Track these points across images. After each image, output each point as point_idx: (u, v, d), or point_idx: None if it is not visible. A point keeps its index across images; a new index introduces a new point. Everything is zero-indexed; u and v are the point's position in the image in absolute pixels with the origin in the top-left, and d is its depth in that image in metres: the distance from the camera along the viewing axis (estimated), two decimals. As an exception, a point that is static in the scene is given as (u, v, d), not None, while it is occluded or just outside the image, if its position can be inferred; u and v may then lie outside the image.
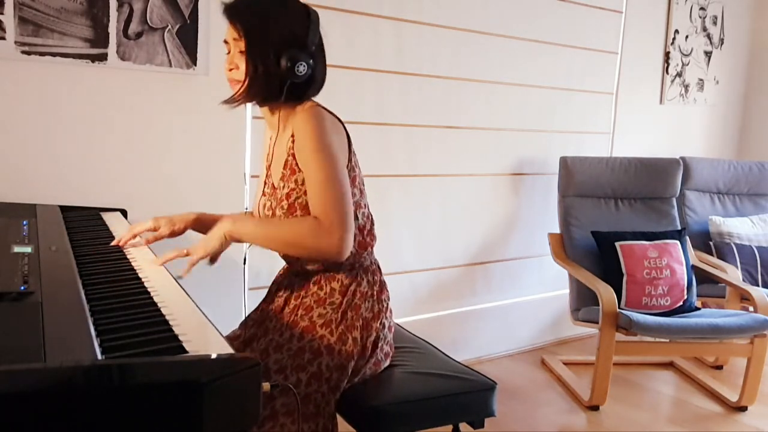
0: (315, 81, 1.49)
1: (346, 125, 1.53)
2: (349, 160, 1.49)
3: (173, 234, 1.61)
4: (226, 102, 1.48)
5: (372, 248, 1.60)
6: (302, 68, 1.41)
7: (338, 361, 1.48)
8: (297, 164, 1.46)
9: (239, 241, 1.45)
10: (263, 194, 1.62)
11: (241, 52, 1.42)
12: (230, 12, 1.43)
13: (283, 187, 1.50)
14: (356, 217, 1.52)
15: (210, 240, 1.43)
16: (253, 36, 1.41)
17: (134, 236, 1.56)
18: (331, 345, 1.48)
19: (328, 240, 1.35)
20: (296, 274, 1.60)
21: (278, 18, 1.41)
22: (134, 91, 2.10)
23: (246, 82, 1.43)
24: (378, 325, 1.56)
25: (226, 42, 1.46)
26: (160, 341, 0.94)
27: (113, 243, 1.54)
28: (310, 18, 1.45)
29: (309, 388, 1.44)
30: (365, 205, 1.57)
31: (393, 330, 1.66)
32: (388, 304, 1.62)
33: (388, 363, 1.61)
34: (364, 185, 1.57)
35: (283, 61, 1.40)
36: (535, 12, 3.11)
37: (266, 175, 1.61)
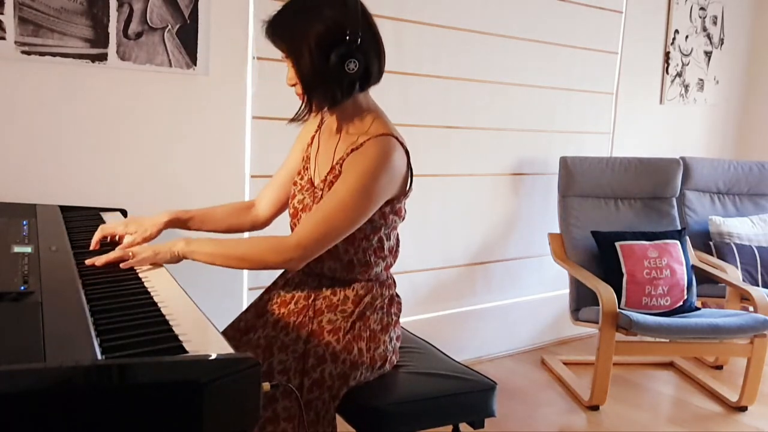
0: (371, 73, 1.43)
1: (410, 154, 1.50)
2: (404, 194, 1.49)
3: (146, 240, 1.57)
4: (293, 120, 1.46)
5: (392, 266, 1.60)
6: (353, 65, 1.36)
7: (341, 370, 1.47)
8: (341, 173, 1.45)
9: (191, 259, 1.41)
10: (295, 184, 1.59)
11: (293, 67, 1.40)
12: (268, 32, 1.41)
13: (323, 188, 1.49)
14: (389, 239, 1.54)
15: (159, 254, 1.39)
16: (296, 50, 1.37)
17: (104, 237, 1.52)
18: (336, 353, 1.47)
19: (289, 256, 1.36)
20: (309, 273, 1.57)
21: (314, 24, 1.35)
22: (134, 91, 2.10)
23: (305, 98, 1.42)
24: (386, 338, 1.56)
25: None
26: (160, 341, 0.94)
27: (92, 248, 1.48)
28: (347, 8, 1.37)
29: (311, 395, 1.43)
30: (398, 227, 1.57)
31: (400, 339, 1.66)
32: (398, 318, 1.61)
33: (390, 369, 1.61)
34: (406, 212, 1.57)
35: (332, 65, 1.36)
36: (535, 12, 3.11)
37: (304, 168, 1.59)
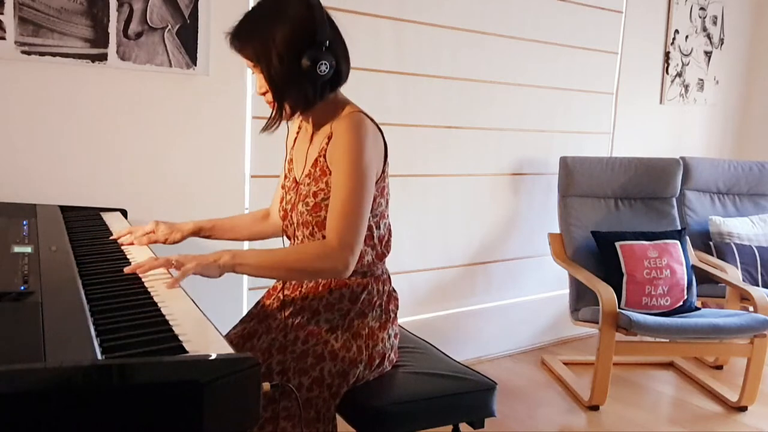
0: (341, 73, 1.43)
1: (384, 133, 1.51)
2: (383, 171, 1.48)
3: (168, 242, 1.62)
4: (265, 129, 1.43)
5: (385, 259, 1.59)
6: (324, 66, 1.35)
7: (341, 368, 1.47)
8: (328, 165, 1.45)
9: (238, 272, 1.37)
10: (283, 187, 1.62)
11: (263, 73, 1.39)
12: (234, 42, 1.39)
13: (308, 184, 1.49)
14: (378, 227, 1.52)
15: (203, 265, 1.32)
16: (264, 58, 1.36)
17: (130, 233, 1.59)
18: (335, 351, 1.47)
19: (334, 262, 1.34)
20: None
21: (279, 28, 1.34)
22: (134, 91, 2.10)
23: (276, 104, 1.40)
24: (384, 335, 1.55)
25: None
26: (160, 341, 0.94)
27: (112, 237, 1.58)
28: (312, 11, 1.36)
29: (310, 393, 1.44)
30: (387, 216, 1.56)
31: (399, 337, 1.66)
32: (396, 314, 1.61)
33: (390, 368, 1.61)
34: (390, 195, 1.56)
35: (304, 69, 1.34)
36: (535, 12, 3.11)
37: (288, 169, 1.60)
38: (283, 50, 1.34)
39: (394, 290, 1.63)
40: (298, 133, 1.63)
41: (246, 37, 1.37)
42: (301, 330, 1.50)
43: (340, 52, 1.41)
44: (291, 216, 1.55)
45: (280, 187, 1.69)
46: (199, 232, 1.69)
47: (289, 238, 1.61)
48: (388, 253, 1.59)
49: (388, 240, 1.58)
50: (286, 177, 1.62)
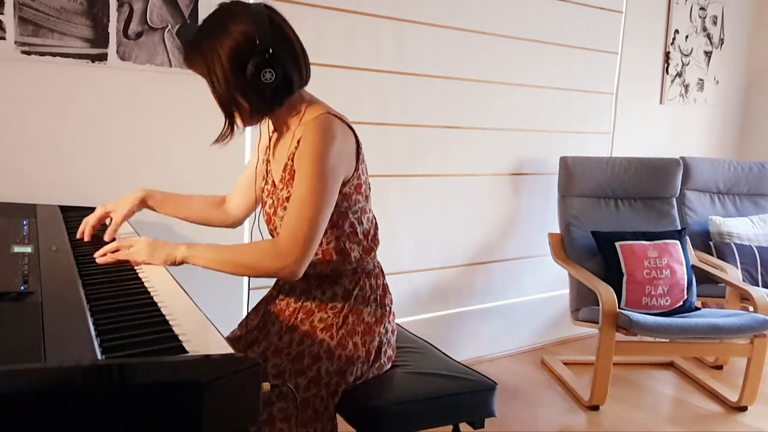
0: (292, 80, 1.41)
1: (355, 130, 1.51)
2: (356, 168, 1.47)
3: (126, 218, 1.62)
4: (217, 141, 1.46)
5: (375, 253, 1.59)
6: (269, 75, 1.35)
7: (338, 366, 1.47)
8: (295, 170, 1.45)
9: (191, 263, 1.40)
10: (263, 190, 1.61)
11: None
12: (185, 59, 1.42)
13: (282, 189, 1.49)
14: (361, 223, 1.52)
15: (156, 255, 1.39)
16: (211, 70, 1.37)
17: (92, 227, 1.59)
18: (331, 349, 1.48)
19: (283, 262, 1.33)
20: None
21: (222, 42, 1.34)
22: (134, 91, 2.10)
23: (227, 120, 1.42)
24: (381, 329, 1.55)
25: None
26: (160, 341, 0.94)
27: (86, 239, 1.58)
28: (255, 20, 1.36)
29: (308, 393, 1.44)
30: (370, 210, 1.56)
31: (396, 333, 1.65)
32: (391, 308, 1.61)
33: (390, 366, 1.61)
34: (370, 190, 1.56)
35: (249, 79, 1.35)
36: (535, 12, 3.11)
37: (266, 172, 1.60)
38: (227, 63, 1.35)
39: (387, 284, 1.63)
40: (271, 136, 1.61)
41: (192, 53, 1.39)
42: (296, 331, 1.50)
43: (287, 58, 1.39)
44: (274, 220, 1.54)
45: (241, 180, 1.71)
46: (150, 200, 1.66)
47: None
48: (377, 246, 1.58)
49: (375, 234, 1.57)
50: (264, 180, 1.61)
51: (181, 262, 1.40)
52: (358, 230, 1.52)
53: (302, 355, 1.46)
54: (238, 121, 1.43)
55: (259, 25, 1.35)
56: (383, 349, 1.56)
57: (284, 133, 1.52)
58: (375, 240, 1.57)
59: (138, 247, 1.39)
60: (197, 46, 1.38)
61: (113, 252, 1.39)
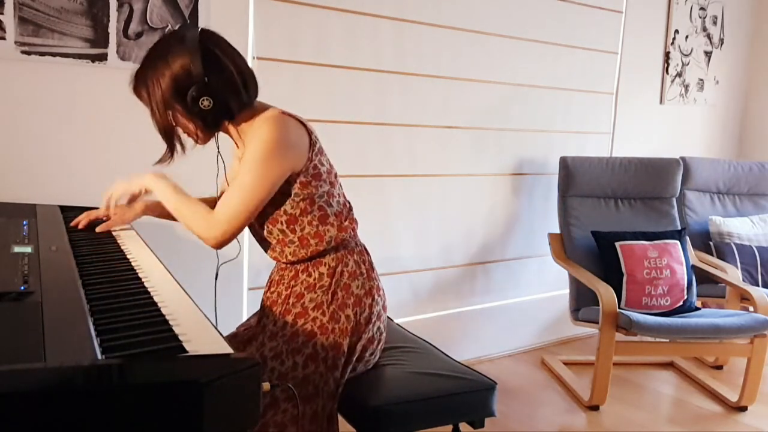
0: (230, 106, 1.46)
1: (312, 127, 1.56)
2: (309, 159, 1.51)
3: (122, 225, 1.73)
4: (159, 162, 1.55)
5: (354, 231, 1.62)
6: (207, 102, 1.42)
7: (332, 339, 1.51)
8: None
9: (151, 190, 1.57)
10: None
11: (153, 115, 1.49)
12: (133, 89, 1.48)
13: None
14: (330, 205, 1.56)
15: (131, 183, 1.62)
16: (153, 103, 1.45)
17: (89, 221, 1.68)
18: (324, 325, 1.52)
19: (211, 233, 1.45)
20: (285, 267, 1.62)
21: (164, 72, 1.42)
22: (134, 91, 2.10)
23: (168, 146, 1.51)
24: (371, 301, 1.58)
25: None
26: (160, 341, 0.94)
27: (72, 224, 1.68)
28: (189, 53, 1.42)
29: (306, 370, 1.48)
30: (339, 194, 1.60)
31: (386, 309, 1.68)
32: (378, 282, 1.64)
33: (383, 342, 1.64)
34: (336, 178, 1.61)
35: (189, 106, 1.42)
36: (535, 12, 3.11)
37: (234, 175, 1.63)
38: (167, 92, 1.42)
39: (372, 261, 1.67)
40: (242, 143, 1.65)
41: (136, 84, 1.47)
42: (289, 314, 1.55)
43: (223, 86, 1.44)
44: (254, 225, 1.61)
45: (224, 184, 1.76)
46: (152, 211, 1.74)
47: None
48: (354, 224, 1.62)
49: (348, 214, 1.61)
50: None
51: (147, 191, 1.62)
52: (329, 211, 1.56)
53: (297, 334, 1.51)
54: (179, 147, 1.53)
55: (193, 56, 1.41)
56: (372, 320, 1.59)
57: (243, 140, 1.56)
58: (350, 219, 1.61)
59: (115, 186, 1.62)
60: (141, 76, 1.46)
61: (102, 214, 1.62)
